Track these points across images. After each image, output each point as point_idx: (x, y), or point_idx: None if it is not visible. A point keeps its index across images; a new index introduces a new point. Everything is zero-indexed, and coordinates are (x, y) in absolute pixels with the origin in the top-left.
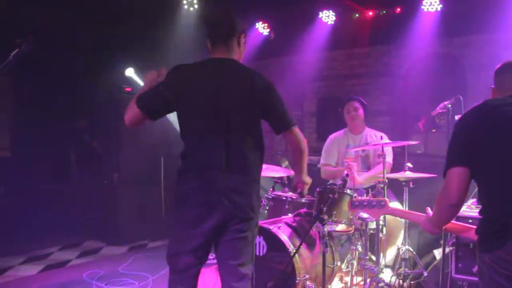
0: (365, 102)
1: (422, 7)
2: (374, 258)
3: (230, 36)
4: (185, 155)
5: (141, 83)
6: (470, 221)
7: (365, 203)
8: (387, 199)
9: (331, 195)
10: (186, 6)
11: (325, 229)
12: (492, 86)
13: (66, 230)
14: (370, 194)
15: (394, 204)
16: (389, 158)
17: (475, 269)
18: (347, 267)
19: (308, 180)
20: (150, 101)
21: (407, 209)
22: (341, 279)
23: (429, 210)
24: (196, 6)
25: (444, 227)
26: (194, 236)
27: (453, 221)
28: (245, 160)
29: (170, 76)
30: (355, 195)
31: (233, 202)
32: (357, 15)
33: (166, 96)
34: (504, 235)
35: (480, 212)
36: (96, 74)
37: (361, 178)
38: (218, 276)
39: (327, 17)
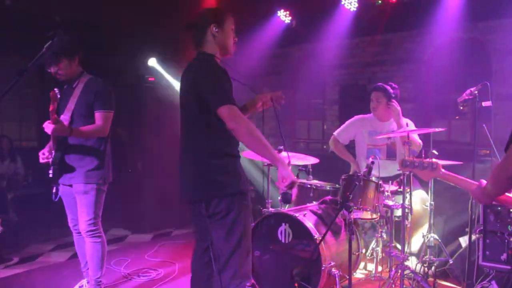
0: (391, 91)
1: None
2: (398, 245)
3: (201, 35)
4: None
5: (164, 72)
6: None
7: (417, 164)
8: (439, 162)
9: (357, 183)
10: None
11: (351, 216)
12: None
13: None
14: (394, 182)
15: (419, 192)
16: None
17: (503, 256)
18: (371, 254)
19: (282, 166)
20: None
21: (432, 196)
22: (365, 267)
23: (483, 181)
24: None
25: (496, 198)
26: None
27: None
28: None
29: None
30: (380, 182)
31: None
32: (380, 1)
33: None
34: None
35: None
36: (120, 63)
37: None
38: None
39: (350, 3)
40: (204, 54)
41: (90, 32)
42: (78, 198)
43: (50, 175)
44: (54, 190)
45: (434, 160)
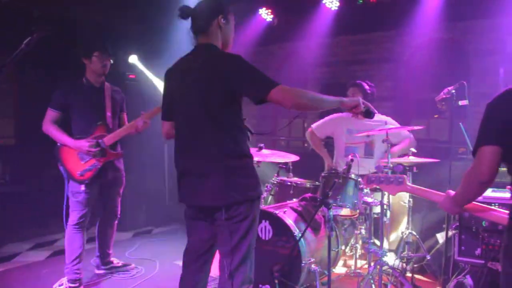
0: (367, 88)
1: None
2: (377, 242)
3: (207, 23)
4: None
5: (145, 70)
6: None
7: (382, 179)
8: (405, 176)
9: (336, 180)
10: None
11: (331, 213)
12: None
13: None
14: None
15: None
16: (408, 135)
17: (477, 251)
18: (351, 251)
19: (346, 101)
20: (161, 107)
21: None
22: (344, 263)
23: (450, 191)
24: None
25: (464, 206)
26: None
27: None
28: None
29: (163, 81)
30: (359, 179)
31: None
32: (361, 1)
33: (165, 101)
34: None
35: None
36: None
37: (395, 150)
38: None
39: (331, 2)
40: (211, 45)
41: (69, 29)
42: (118, 190)
43: (88, 175)
44: (83, 188)
45: (399, 174)
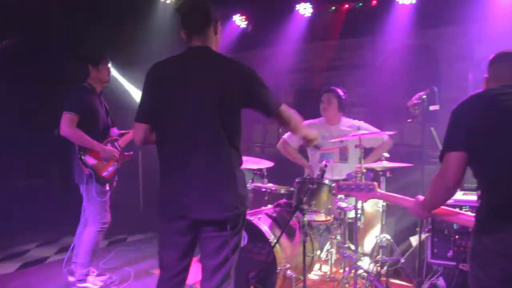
0: (341, 94)
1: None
2: (352, 246)
3: (206, 24)
4: None
5: (118, 77)
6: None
7: (353, 186)
8: (376, 183)
9: (310, 185)
10: None
11: (305, 218)
12: (486, 76)
13: (43, 226)
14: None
15: None
16: (382, 138)
17: (449, 253)
18: (326, 256)
19: (309, 133)
20: (140, 109)
21: None
22: (320, 268)
23: (419, 197)
24: None
25: (433, 211)
26: None
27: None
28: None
29: (146, 79)
30: (333, 184)
31: None
32: (333, 8)
33: (146, 102)
34: (506, 218)
35: (480, 197)
36: (71, 67)
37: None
38: None
39: (304, 9)
40: (211, 50)
41: (43, 35)
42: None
43: (111, 175)
44: (108, 188)
45: (370, 181)
